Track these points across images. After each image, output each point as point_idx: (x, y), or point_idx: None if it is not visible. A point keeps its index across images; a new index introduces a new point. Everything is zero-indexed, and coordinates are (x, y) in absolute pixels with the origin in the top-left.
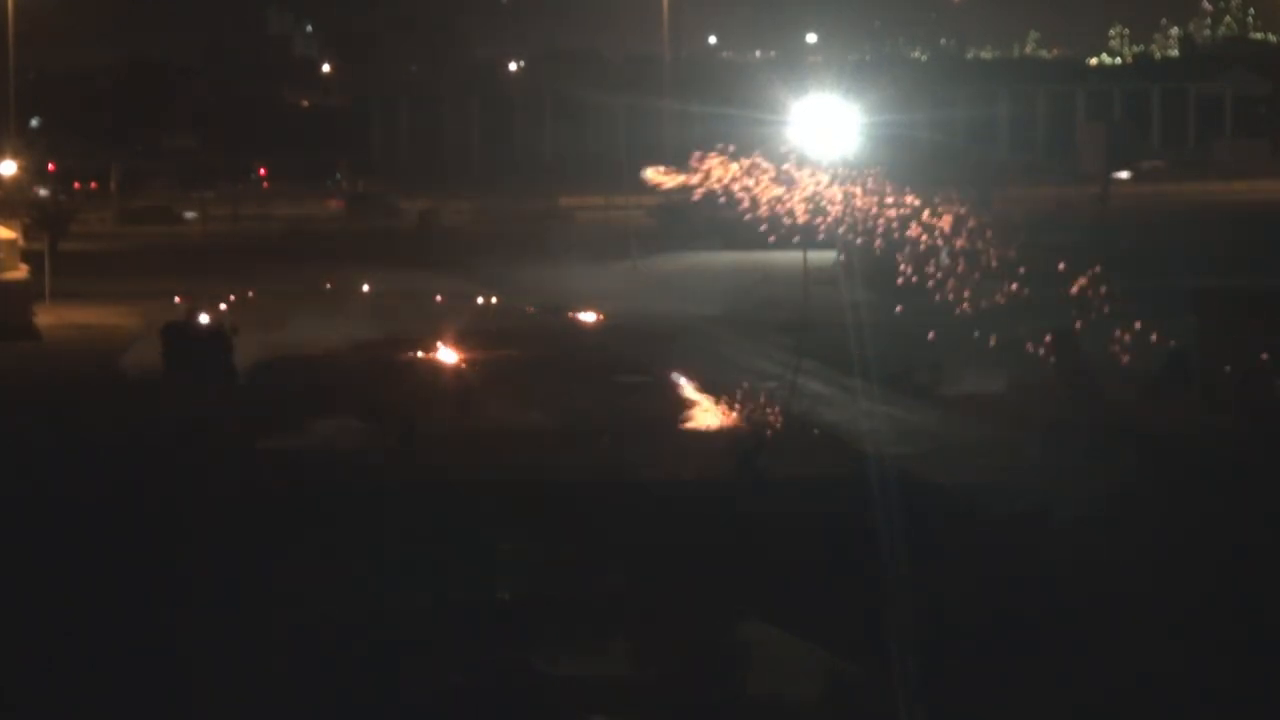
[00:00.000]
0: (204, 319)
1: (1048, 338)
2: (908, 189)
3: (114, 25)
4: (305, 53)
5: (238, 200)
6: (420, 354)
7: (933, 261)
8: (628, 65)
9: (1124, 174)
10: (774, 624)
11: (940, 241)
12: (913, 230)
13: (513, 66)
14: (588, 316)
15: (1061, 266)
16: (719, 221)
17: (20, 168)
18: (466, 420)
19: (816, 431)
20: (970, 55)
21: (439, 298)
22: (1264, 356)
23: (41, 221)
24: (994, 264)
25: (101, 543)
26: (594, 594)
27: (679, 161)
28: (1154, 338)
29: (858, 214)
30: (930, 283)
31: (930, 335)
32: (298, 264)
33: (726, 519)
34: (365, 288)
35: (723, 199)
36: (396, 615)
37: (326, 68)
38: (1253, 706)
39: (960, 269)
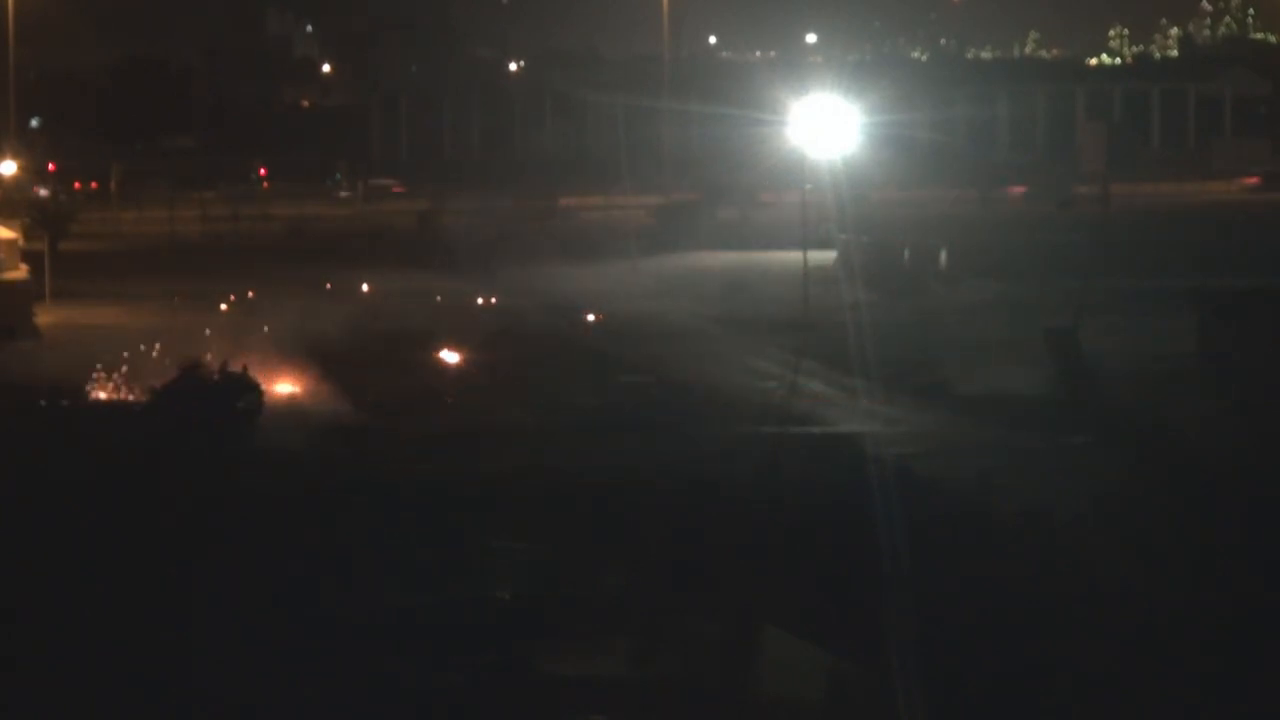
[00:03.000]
0: (228, 370)
1: (1047, 337)
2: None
3: (114, 25)
4: (305, 53)
5: (238, 200)
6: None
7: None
8: (628, 65)
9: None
10: (774, 623)
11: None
12: None
13: (513, 66)
14: (588, 316)
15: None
16: (719, 221)
17: (20, 168)
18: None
19: (817, 430)
20: (970, 55)
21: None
22: None
23: (41, 221)
24: None
25: (99, 541)
26: (594, 594)
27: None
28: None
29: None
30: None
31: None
32: (298, 264)
33: (726, 518)
34: (365, 287)
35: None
36: (396, 614)
37: (326, 68)
38: (1252, 703)
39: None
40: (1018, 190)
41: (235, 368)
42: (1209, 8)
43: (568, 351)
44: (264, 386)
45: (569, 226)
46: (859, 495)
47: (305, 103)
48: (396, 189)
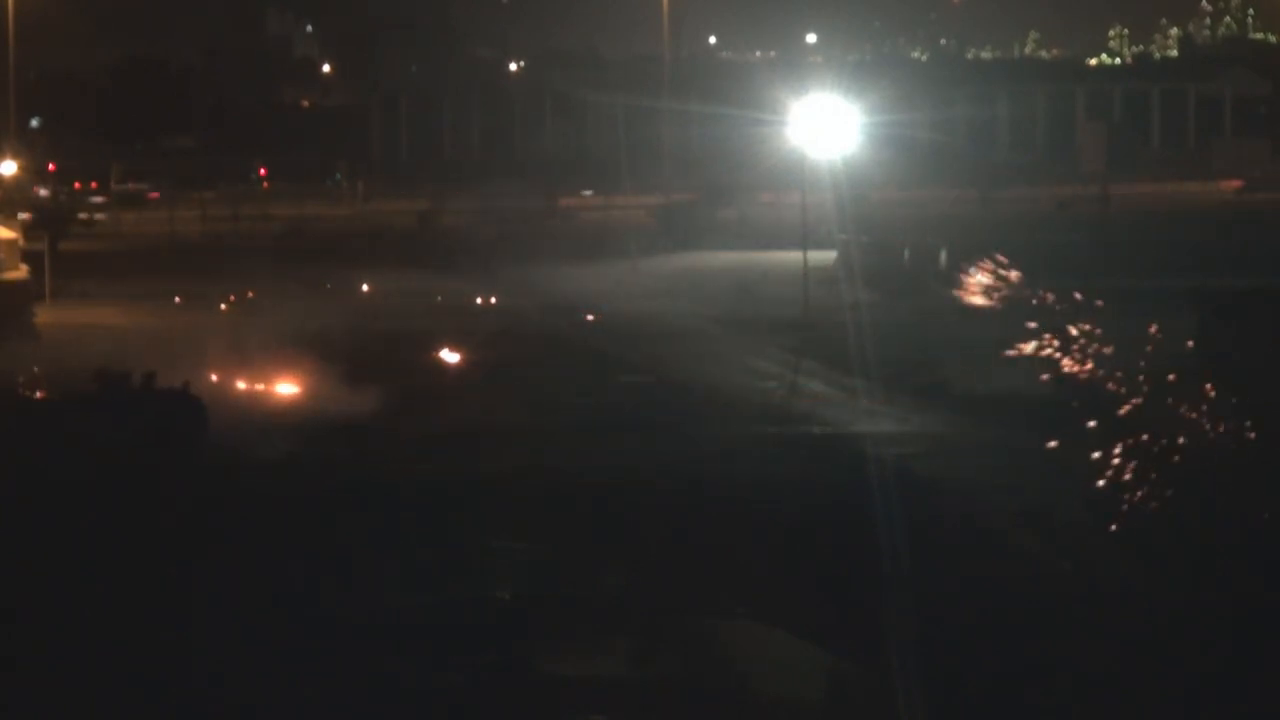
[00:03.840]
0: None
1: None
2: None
3: (114, 25)
4: (305, 53)
5: (238, 200)
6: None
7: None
8: (628, 65)
9: None
10: (774, 623)
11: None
12: None
13: (513, 66)
14: (589, 316)
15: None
16: (719, 221)
17: (20, 168)
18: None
19: (817, 430)
20: (970, 55)
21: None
22: None
23: (41, 221)
24: None
25: (96, 542)
26: (594, 594)
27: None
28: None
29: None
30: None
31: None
32: (298, 264)
33: (726, 518)
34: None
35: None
36: (396, 614)
37: (326, 68)
38: (1252, 703)
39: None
40: (1234, 184)
41: (175, 383)
42: (1209, 8)
43: (568, 351)
44: (206, 405)
45: (569, 226)
46: (859, 495)
47: (305, 103)
48: (151, 195)
